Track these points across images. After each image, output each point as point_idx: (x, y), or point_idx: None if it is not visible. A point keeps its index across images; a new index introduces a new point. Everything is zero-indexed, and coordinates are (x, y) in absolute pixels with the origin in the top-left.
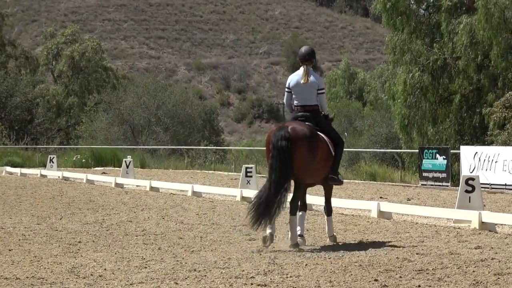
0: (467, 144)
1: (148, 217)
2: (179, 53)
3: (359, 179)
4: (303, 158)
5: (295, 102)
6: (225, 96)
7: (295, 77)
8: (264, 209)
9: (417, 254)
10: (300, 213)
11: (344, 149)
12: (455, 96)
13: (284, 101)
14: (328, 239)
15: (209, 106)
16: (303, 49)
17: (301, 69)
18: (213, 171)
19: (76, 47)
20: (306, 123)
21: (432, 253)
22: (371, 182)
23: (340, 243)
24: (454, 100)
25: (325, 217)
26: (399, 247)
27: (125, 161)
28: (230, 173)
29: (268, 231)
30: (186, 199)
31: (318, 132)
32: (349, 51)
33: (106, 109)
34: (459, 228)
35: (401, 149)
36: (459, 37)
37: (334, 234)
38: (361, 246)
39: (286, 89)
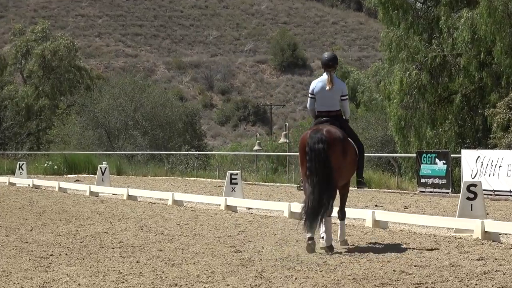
0: (468, 147)
1: (126, 228)
2: (158, 51)
3: (352, 185)
4: (337, 160)
5: (319, 108)
6: (207, 97)
7: (320, 83)
8: (313, 212)
9: (415, 266)
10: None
11: None
12: (456, 96)
13: (308, 106)
14: (339, 243)
15: (191, 108)
16: (326, 55)
17: (325, 75)
18: (195, 178)
19: (47, 45)
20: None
21: (431, 265)
22: (365, 189)
23: (332, 254)
24: (454, 100)
25: (338, 221)
26: (396, 258)
27: (100, 168)
28: (213, 180)
29: (309, 234)
30: (166, 208)
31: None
32: (341, 48)
33: (79, 111)
34: (460, 238)
35: (397, 153)
36: (460, 33)
37: (346, 238)
38: (355, 257)
39: (310, 95)
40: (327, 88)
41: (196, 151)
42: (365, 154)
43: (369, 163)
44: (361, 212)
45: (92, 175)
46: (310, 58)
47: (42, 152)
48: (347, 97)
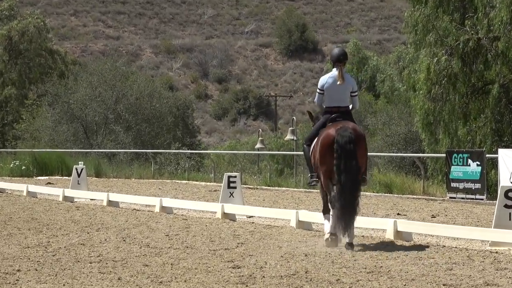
0: (507, 146)
1: (105, 239)
2: (144, 32)
3: (370, 190)
4: (362, 158)
5: (329, 103)
6: (202, 86)
7: (330, 78)
8: (348, 212)
9: (444, 285)
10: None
11: None
12: (492, 86)
13: (315, 101)
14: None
15: (182, 99)
16: (337, 50)
17: (335, 70)
18: (187, 181)
19: (14, 25)
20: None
21: (462, 284)
22: (386, 194)
23: (347, 273)
24: (490, 91)
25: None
26: (421, 276)
27: (76, 169)
28: (208, 183)
29: (330, 231)
30: (153, 217)
31: None
32: (358, 29)
33: (52, 103)
34: (496, 252)
35: (423, 153)
36: (497, 12)
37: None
38: (374, 275)
39: (319, 90)
40: (338, 83)
41: (188, 149)
42: (386, 154)
43: (390, 164)
44: (381, 222)
45: (67, 177)
46: (321, 41)
47: (7, 150)
48: (357, 93)
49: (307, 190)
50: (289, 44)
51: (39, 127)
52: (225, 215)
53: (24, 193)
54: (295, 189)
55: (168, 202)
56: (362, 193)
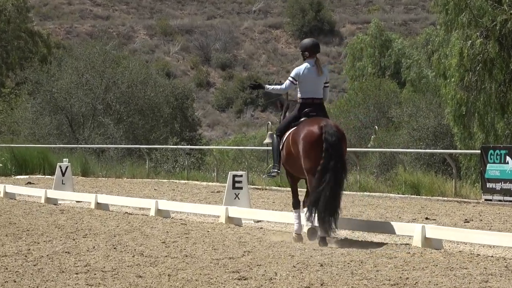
0: None
1: (94, 247)
2: (137, 11)
3: (395, 191)
4: (344, 155)
5: (304, 95)
6: (203, 73)
7: (307, 69)
8: (333, 208)
9: None
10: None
11: (375, 149)
12: None
13: (284, 87)
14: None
15: (181, 87)
16: (310, 41)
17: (309, 61)
18: (186, 181)
19: None
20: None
21: None
22: (412, 196)
23: (368, 285)
24: None
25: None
26: None
27: (60, 166)
28: (210, 183)
29: (310, 224)
30: (147, 221)
31: None
32: (381, 8)
33: (32, 91)
34: None
35: (455, 149)
36: None
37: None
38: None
39: (292, 79)
40: (317, 74)
41: (187, 144)
42: (412, 150)
43: (418, 161)
44: (407, 227)
45: (49, 176)
46: (339, 21)
47: None
48: (328, 84)
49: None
50: (302, 25)
51: (18, 119)
52: (230, 219)
53: (1, 194)
54: None
55: (164, 204)
56: (385, 194)
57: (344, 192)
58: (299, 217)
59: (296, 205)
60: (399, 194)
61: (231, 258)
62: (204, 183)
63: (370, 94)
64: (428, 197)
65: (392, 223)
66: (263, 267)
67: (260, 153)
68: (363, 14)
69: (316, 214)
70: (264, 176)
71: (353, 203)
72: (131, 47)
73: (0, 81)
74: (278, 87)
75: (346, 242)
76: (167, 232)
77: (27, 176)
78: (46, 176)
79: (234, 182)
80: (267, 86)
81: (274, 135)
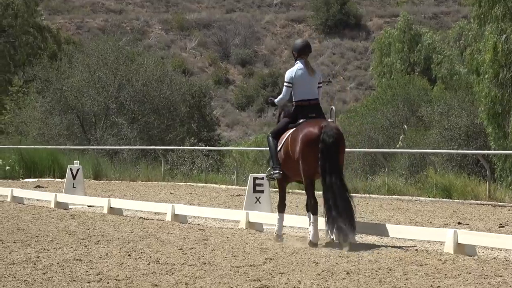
0: None
1: (106, 254)
2: (152, 4)
3: (425, 195)
4: (343, 158)
5: (299, 97)
6: (222, 70)
7: (299, 70)
8: (348, 212)
9: None
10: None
11: (404, 150)
12: None
13: (283, 96)
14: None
15: (198, 85)
16: (301, 42)
17: (300, 62)
18: (204, 184)
19: None
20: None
21: None
22: (444, 199)
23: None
24: None
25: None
26: None
27: (71, 169)
28: (230, 186)
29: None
30: (163, 226)
31: None
32: (410, 1)
33: (41, 90)
34: None
35: (489, 149)
36: None
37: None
38: None
39: (287, 84)
40: (309, 75)
41: (205, 145)
42: (443, 151)
43: (449, 163)
44: (439, 233)
45: (59, 179)
46: (365, 15)
47: None
48: (322, 84)
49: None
50: (327, 19)
51: (26, 119)
52: (250, 224)
53: (8, 199)
54: None
55: (181, 209)
56: (415, 198)
57: (352, 195)
58: (281, 220)
59: (281, 210)
60: (429, 197)
61: (252, 266)
62: (223, 186)
63: (398, 91)
64: (460, 201)
65: (423, 228)
66: (285, 275)
67: None
68: (391, 7)
69: (331, 222)
70: (264, 179)
71: (381, 207)
72: (145, 43)
73: (8, 79)
74: (280, 96)
75: (373, 249)
76: (184, 238)
77: (36, 179)
78: (56, 179)
79: (255, 185)
80: (275, 100)
81: (270, 137)
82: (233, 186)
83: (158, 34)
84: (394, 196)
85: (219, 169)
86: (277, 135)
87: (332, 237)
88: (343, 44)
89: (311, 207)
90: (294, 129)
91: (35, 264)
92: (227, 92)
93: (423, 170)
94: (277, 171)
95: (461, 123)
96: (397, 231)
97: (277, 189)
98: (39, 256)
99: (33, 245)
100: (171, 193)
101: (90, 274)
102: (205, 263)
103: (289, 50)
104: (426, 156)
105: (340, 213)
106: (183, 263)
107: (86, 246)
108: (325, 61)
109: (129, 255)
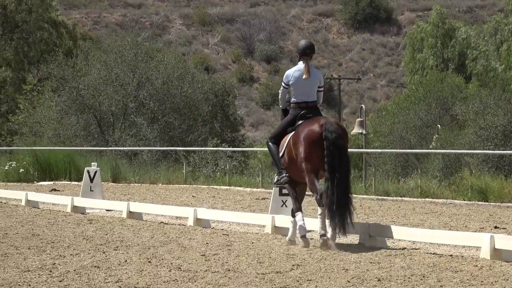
0: None
1: (126, 260)
2: None
3: (460, 198)
4: (347, 151)
5: (296, 99)
6: (246, 66)
7: (297, 72)
8: (343, 211)
9: None
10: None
11: (437, 151)
12: None
13: (280, 97)
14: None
15: (221, 83)
16: (304, 42)
17: (301, 63)
18: (227, 187)
19: None
20: None
21: None
22: (480, 202)
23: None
24: None
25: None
26: None
27: (88, 171)
28: (254, 189)
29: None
30: (185, 231)
31: None
32: None
33: (56, 88)
34: None
35: None
36: None
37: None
38: None
39: (284, 85)
40: (304, 77)
41: (229, 146)
42: (479, 151)
43: (485, 164)
44: (474, 237)
45: (76, 182)
46: (396, 9)
47: (1, 148)
48: (323, 88)
49: (380, 197)
50: (356, 13)
51: (40, 119)
52: (277, 229)
53: (23, 203)
54: (364, 196)
55: (204, 213)
56: (450, 201)
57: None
58: (302, 218)
59: (298, 209)
60: (464, 200)
61: (278, 273)
62: (248, 189)
63: (431, 89)
64: (497, 204)
65: (457, 232)
66: (314, 282)
67: None
68: (423, 0)
69: (330, 216)
70: (273, 187)
71: (413, 210)
72: (165, 39)
73: (21, 77)
74: (279, 96)
75: (406, 254)
76: (207, 243)
77: (52, 182)
78: (73, 182)
79: (281, 188)
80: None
81: (269, 143)
82: (258, 189)
83: (179, 29)
84: (427, 199)
85: (243, 171)
86: (276, 139)
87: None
88: (373, 40)
89: (318, 200)
90: (293, 132)
91: (50, 271)
92: (252, 90)
93: (457, 172)
94: (284, 175)
95: (498, 122)
96: (430, 235)
97: (306, 192)
98: (55, 263)
99: (49, 252)
100: (193, 196)
101: (108, 282)
102: (229, 270)
103: (316, 46)
104: (461, 157)
105: (338, 208)
106: (206, 270)
107: (104, 252)
108: (354, 57)
109: (149, 262)
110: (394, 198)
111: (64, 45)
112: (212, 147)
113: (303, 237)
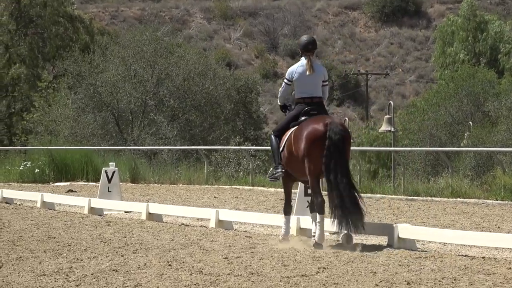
0: None
1: (145, 264)
2: None
3: (493, 197)
4: (348, 155)
5: (301, 94)
6: (269, 62)
7: (300, 68)
8: (355, 210)
9: None
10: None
11: (469, 149)
12: None
13: (280, 93)
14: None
15: (244, 79)
16: (305, 38)
17: (303, 59)
18: (250, 187)
19: None
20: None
21: None
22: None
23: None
24: None
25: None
26: None
27: (106, 172)
28: (278, 189)
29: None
30: (207, 234)
31: None
32: None
33: (73, 85)
34: None
35: None
36: None
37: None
38: None
39: (286, 81)
40: (308, 73)
41: (252, 145)
42: (508, 150)
43: None
44: (507, 239)
45: (93, 183)
46: (426, 1)
47: (16, 147)
48: (327, 82)
49: (410, 197)
50: (384, 6)
51: (56, 117)
52: (301, 231)
53: (38, 204)
54: (393, 196)
55: (226, 214)
56: (482, 201)
57: (360, 193)
58: (288, 223)
59: (287, 212)
60: (497, 200)
61: (303, 276)
62: (272, 189)
63: (462, 84)
64: None
65: (490, 234)
66: (340, 285)
67: None
68: None
69: (337, 219)
70: (268, 180)
71: (444, 211)
72: (186, 33)
73: (36, 74)
74: (279, 92)
75: (436, 257)
76: (229, 246)
77: (68, 183)
78: (90, 183)
79: (306, 188)
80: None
81: (272, 136)
82: (283, 189)
83: (199, 23)
84: (458, 199)
85: (267, 171)
86: (279, 133)
87: (339, 238)
88: (401, 33)
89: (318, 206)
90: (296, 127)
91: (67, 275)
92: (275, 87)
93: (490, 171)
94: (280, 170)
95: None
96: (462, 237)
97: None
98: (71, 267)
99: (65, 255)
100: (215, 197)
101: (127, 286)
102: (252, 274)
103: (342, 40)
104: (494, 155)
105: (347, 211)
106: (229, 274)
107: (122, 256)
108: (382, 51)
109: (169, 265)
110: (424, 198)
111: (81, 41)
112: (234, 145)
113: (285, 239)
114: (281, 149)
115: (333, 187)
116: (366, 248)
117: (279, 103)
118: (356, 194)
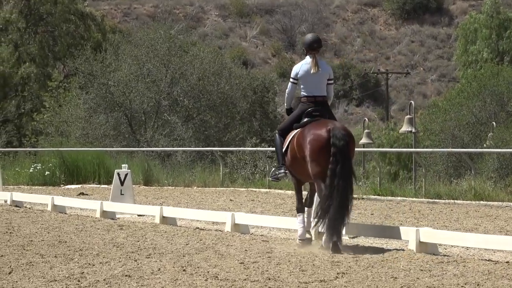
0: None
1: (159, 269)
2: None
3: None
4: (352, 159)
5: (305, 93)
6: (287, 60)
7: (305, 66)
8: (341, 216)
9: None
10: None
11: (493, 150)
12: None
13: (287, 92)
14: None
15: (261, 78)
16: (310, 36)
17: (308, 58)
18: (267, 189)
19: None
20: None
21: None
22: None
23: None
24: None
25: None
26: None
27: (119, 174)
28: None
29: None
30: (222, 238)
31: None
32: None
33: (84, 85)
34: None
35: None
36: None
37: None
38: None
39: (292, 80)
40: (313, 71)
41: (269, 146)
42: None
43: None
44: None
45: (105, 185)
46: None
47: (25, 149)
48: (332, 81)
49: (431, 200)
50: (404, 3)
51: (67, 118)
52: (320, 235)
53: (49, 208)
54: (414, 198)
55: (242, 218)
56: (506, 204)
57: (354, 197)
58: (303, 221)
59: (300, 210)
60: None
61: (322, 281)
62: (289, 192)
63: (486, 83)
64: None
65: (509, 237)
66: None
67: (356, 155)
68: None
69: (327, 221)
70: (270, 179)
71: (467, 214)
72: (200, 31)
73: (46, 73)
74: (286, 93)
75: (459, 261)
76: (245, 250)
77: (79, 186)
78: (102, 186)
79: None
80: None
81: (277, 134)
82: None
83: (214, 21)
84: (481, 202)
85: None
86: (284, 132)
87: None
88: (423, 31)
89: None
90: (299, 130)
91: (79, 281)
92: None
93: None
94: (283, 171)
95: None
96: (485, 241)
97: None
98: (83, 272)
99: (77, 260)
100: (230, 200)
101: None
102: (269, 279)
103: (362, 38)
104: None
105: (337, 215)
106: (245, 279)
107: (136, 260)
108: (403, 50)
109: (184, 270)
110: (446, 201)
111: (92, 39)
112: (250, 147)
113: (302, 240)
114: (284, 150)
115: (333, 190)
116: (387, 252)
117: (285, 106)
118: (351, 197)
